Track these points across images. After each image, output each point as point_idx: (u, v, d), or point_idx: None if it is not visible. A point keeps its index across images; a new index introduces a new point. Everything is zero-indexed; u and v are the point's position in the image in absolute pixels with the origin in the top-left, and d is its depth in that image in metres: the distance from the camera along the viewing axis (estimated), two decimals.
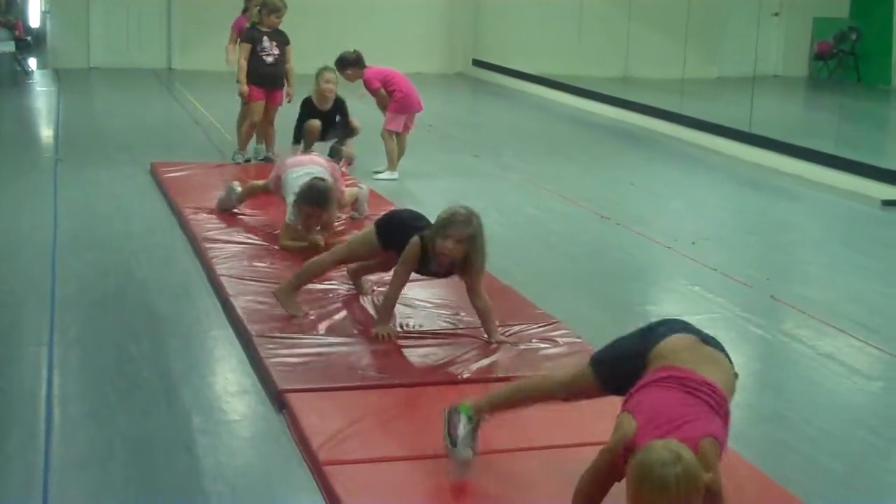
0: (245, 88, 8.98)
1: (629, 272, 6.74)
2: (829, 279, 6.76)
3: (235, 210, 7.20)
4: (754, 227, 8.20)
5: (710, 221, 8.20)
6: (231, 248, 6.37)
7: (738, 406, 4.74)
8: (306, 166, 6.74)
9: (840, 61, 17.60)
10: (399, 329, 5.07)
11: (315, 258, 5.50)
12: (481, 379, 4.59)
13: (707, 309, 5.95)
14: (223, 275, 5.85)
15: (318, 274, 5.44)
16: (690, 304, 6.04)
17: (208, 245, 6.42)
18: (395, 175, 9.03)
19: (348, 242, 5.56)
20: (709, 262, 6.79)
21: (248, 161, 9.17)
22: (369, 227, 5.42)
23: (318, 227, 6.50)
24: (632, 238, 7.46)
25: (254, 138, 9.41)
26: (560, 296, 5.98)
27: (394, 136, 9.11)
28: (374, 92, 9.08)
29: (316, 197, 6.32)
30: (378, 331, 4.98)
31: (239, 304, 5.39)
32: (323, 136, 8.80)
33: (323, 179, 6.47)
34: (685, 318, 5.70)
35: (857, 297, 6.33)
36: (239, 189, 7.21)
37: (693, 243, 7.25)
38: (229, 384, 4.67)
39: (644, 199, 8.99)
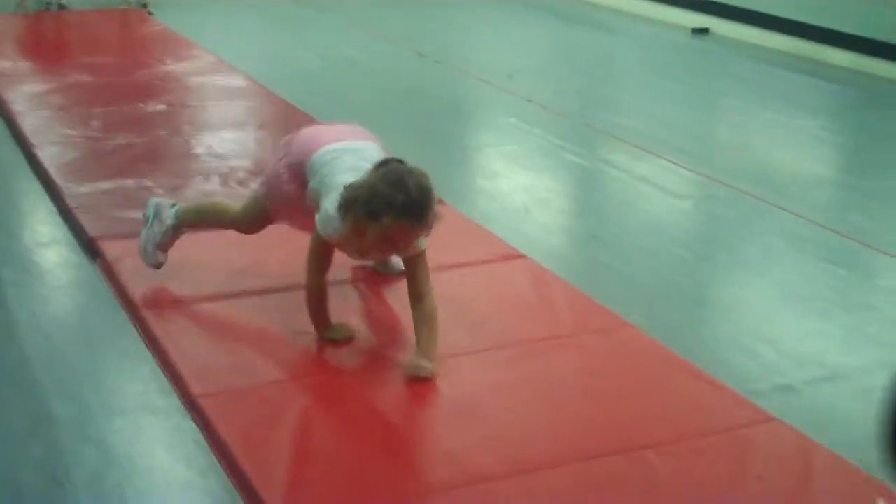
0: None
1: (447, 108, 6.72)
2: (642, 106, 6.87)
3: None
4: (570, 60, 8.26)
5: (526, 56, 8.21)
6: (36, 98, 6.10)
7: (556, 229, 4.88)
8: (349, 142, 3.58)
9: None
10: None
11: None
12: None
13: (524, 140, 6.00)
14: (27, 124, 5.60)
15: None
16: (507, 135, 6.08)
17: (10, 96, 6.12)
18: None
19: None
20: (525, 95, 6.82)
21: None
22: None
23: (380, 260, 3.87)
24: (449, 74, 7.43)
25: None
26: (380, 133, 5.91)
27: None
28: None
29: (419, 202, 3.18)
30: None
31: (45, 154, 5.18)
32: None
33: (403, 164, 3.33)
34: (503, 148, 5.85)
35: (669, 122, 6.46)
36: (176, 211, 3.88)
37: (509, 77, 7.26)
38: (39, 235, 4.52)
39: (461, 36, 8.94)
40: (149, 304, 3.72)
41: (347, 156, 3.43)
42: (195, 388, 3.19)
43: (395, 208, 3.12)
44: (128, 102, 5.99)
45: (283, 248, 3.93)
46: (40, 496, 2.78)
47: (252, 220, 3.75)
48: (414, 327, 3.33)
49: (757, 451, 2.94)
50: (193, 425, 3.08)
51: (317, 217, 3.32)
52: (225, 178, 4.90)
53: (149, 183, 4.79)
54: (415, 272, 3.34)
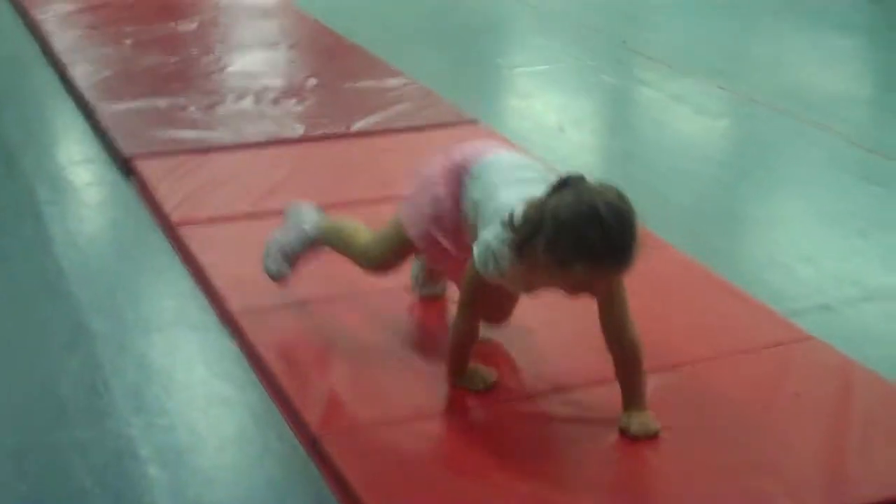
0: None
1: (480, 26, 6.65)
2: (676, 25, 6.78)
3: None
4: None
5: None
6: (67, 18, 6.07)
7: (591, 148, 4.85)
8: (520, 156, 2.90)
9: None
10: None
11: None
12: (329, 136, 4.50)
13: (557, 58, 5.94)
14: (58, 44, 5.59)
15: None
16: (541, 54, 6.02)
17: (41, 16, 6.10)
18: None
19: None
20: (558, 11, 6.74)
21: None
22: None
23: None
24: None
25: None
26: (411, 51, 5.89)
27: None
28: None
29: (619, 238, 2.40)
30: None
31: (77, 73, 5.17)
32: None
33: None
34: (536, 68, 5.79)
35: (704, 41, 6.37)
36: (318, 220, 3.17)
37: None
38: (73, 153, 4.52)
39: None
40: (184, 221, 3.72)
41: (518, 170, 2.72)
42: (232, 304, 3.20)
43: (588, 252, 2.35)
44: (159, 21, 5.97)
45: (323, 164, 3.90)
46: (81, 406, 2.80)
47: (385, 249, 2.93)
48: (616, 371, 2.66)
49: (794, 370, 2.92)
50: (231, 341, 3.09)
51: (475, 248, 2.55)
52: (258, 97, 4.88)
53: (182, 101, 4.78)
54: (610, 304, 2.61)
